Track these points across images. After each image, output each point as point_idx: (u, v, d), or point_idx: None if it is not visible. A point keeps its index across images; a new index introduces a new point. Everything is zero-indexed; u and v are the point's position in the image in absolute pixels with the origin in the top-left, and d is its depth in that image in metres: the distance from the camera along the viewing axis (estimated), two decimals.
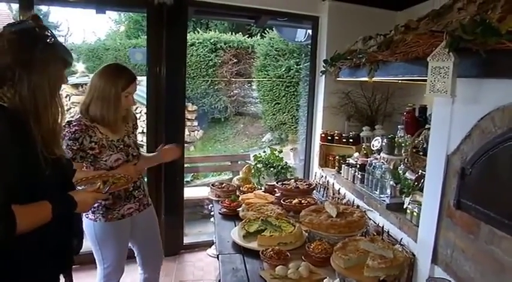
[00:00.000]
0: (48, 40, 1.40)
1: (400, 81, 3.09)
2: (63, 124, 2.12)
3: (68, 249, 1.63)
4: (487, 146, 1.54)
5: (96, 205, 2.24)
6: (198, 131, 9.75)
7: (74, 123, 2.17)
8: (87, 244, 2.13)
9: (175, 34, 3.52)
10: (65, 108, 1.60)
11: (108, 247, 2.33)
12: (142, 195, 2.44)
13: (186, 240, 4.12)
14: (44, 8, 11.92)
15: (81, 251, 1.72)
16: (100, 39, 12.95)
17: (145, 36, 11.65)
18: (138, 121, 2.60)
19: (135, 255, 2.59)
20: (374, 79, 2.54)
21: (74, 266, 1.68)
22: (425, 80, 3.06)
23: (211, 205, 4.06)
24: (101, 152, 2.20)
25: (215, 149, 9.69)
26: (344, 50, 2.98)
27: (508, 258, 1.42)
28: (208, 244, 4.11)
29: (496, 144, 1.49)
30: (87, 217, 2.28)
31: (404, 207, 2.28)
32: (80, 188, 1.71)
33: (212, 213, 4.02)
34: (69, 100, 8.48)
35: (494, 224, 1.48)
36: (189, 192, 4.71)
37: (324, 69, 3.38)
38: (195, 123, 9.59)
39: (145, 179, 2.58)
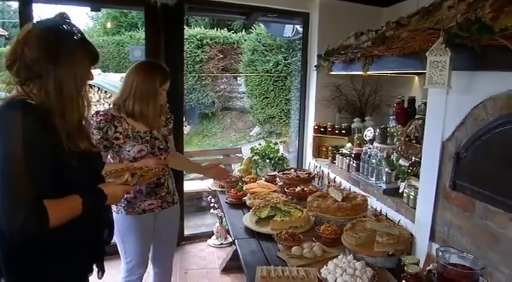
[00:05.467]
0: (75, 37, 1.43)
1: (389, 74, 3.27)
2: (91, 114, 2.18)
3: (99, 240, 1.66)
4: (480, 132, 1.71)
5: None
6: (186, 126, 9.82)
7: (101, 113, 2.22)
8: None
9: (172, 31, 3.61)
10: (91, 103, 1.63)
11: (130, 241, 2.36)
12: (166, 192, 2.43)
13: (185, 232, 4.20)
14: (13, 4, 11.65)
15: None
16: None
17: (128, 33, 11.44)
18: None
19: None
20: (368, 73, 2.70)
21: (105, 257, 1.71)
22: (416, 73, 3.27)
23: (210, 197, 4.20)
24: (125, 142, 2.23)
25: (203, 143, 9.78)
26: (336, 45, 3.13)
27: (501, 230, 1.60)
28: (208, 235, 4.23)
29: (489, 130, 1.66)
30: None
31: (400, 191, 2.45)
32: (109, 180, 1.72)
33: (212, 204, 4.17)
34: None
35: (489, 201, 1.66)
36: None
37: (318, 63, 3.54)
38: (183, 118, 9.64)
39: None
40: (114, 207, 2.30)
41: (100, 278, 1.69)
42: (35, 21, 1.45)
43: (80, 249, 1.52)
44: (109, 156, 2.29)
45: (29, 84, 1.38)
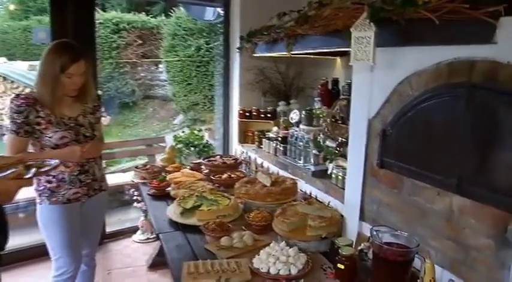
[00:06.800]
0: None
1: (312, 57, 3.25)
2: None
3: None
4: (405, 108, 1.70)
5: (41, 188, 2.20)
6: (105, 117, 9.27)
7: (22, 97, 2.11)
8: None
9: (81, 13, 3.29)
10: None
11: (56, 234, 2.24)
12: (92, 179, 2.33)
13: (107, 229, 3.95)
14: None
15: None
16: None
17: (36, 17, 10.52)
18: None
19: None
20: (292, 53, 2.64)
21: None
22: (338, 54, 3.29)
23: (133, 189, 3.96)
24: (47, 128, 2.13)
25: (125, 134, 9.31)
26: (259, 26, 3.06)
27: (428, 205, 1.61)
28: (133, 230, 4.02)
29: (413, 106, 1.65)
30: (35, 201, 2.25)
31: (329, 172, 2.43)
32: None
33: (135, 197, 3.92)
34: None
35: (416, 176, 1.65)
36: None
37: (240, 45, 3.43)
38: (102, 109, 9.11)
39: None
40: (36, 198, 2.23)
41: None
42: None
43: None
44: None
45: None
